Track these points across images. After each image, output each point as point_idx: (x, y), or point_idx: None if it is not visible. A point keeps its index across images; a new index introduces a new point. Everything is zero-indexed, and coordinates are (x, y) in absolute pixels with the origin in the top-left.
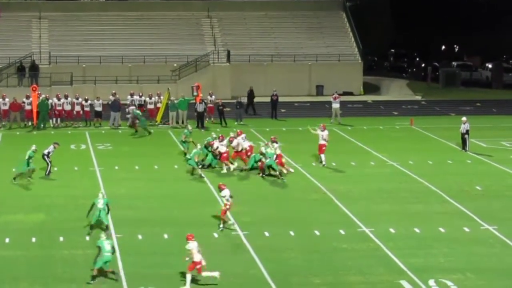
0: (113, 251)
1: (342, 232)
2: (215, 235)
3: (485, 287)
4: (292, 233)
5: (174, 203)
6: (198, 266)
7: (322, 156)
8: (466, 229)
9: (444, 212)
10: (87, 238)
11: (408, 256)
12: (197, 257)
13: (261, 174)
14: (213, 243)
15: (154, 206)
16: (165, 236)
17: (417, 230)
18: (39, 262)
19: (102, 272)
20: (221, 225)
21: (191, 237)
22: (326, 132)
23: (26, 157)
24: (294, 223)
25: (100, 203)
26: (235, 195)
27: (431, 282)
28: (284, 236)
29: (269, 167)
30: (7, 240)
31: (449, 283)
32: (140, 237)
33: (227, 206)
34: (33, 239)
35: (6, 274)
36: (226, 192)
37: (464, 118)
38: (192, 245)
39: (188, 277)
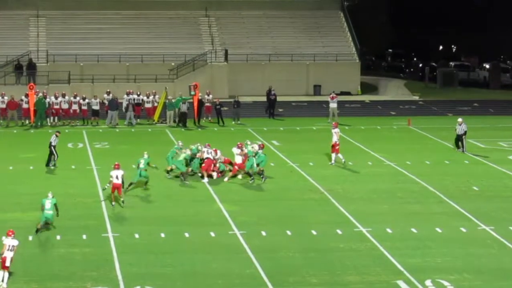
0: (54, 209)
1: (339, 231)
2: (212, 234)
3: None
4: (289, 232)
5: (171, 202)
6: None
7: (339, 155)
8: (463, 230)
9: (441, 212)
10: (84, 236)
11: (405, 256)
12: (7, 254)
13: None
14: (210, 242)
15: (151, 204)
16: (162, 235)
17: (414, 230)
18: (36, 260)
19: (46, 225)
20: (113, 203)
21: (11, 233)
22: (334, 130)
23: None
24: (291, 222)
25: (142, 163)
26: (232, 194)
27: (428, 282)
28: (281, 236)
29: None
30: (4, 238)
31: (446, 283)
32: (137, 236)
33: (111, 185)
34: (30, 237)
35: None
36: (112, 172)
37: (460, 119)
38: (8, 242)
39: (5, 274)
